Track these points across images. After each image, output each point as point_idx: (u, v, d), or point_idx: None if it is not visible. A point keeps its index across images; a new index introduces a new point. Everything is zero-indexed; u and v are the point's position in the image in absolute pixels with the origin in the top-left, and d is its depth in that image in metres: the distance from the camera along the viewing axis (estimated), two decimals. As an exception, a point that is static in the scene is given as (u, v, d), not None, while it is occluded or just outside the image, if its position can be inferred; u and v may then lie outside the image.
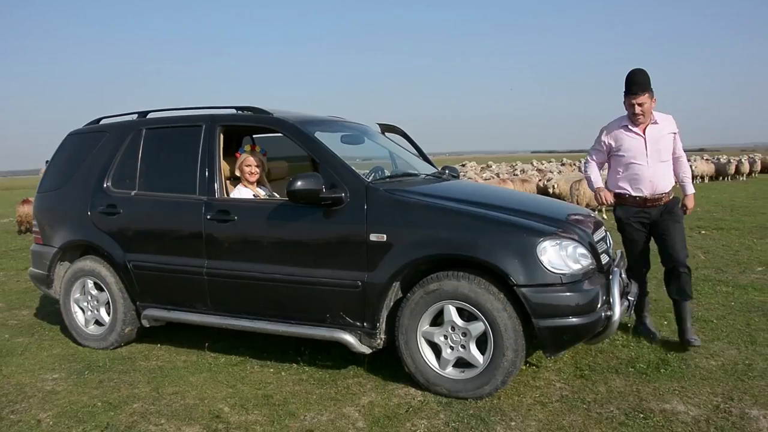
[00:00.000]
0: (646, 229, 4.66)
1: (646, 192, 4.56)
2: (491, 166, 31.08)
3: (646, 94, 4.43)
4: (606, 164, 4.88)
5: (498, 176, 20.50)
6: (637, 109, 4.45)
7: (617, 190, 4.70)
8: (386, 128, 5.72)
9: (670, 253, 4.51)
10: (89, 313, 5.11)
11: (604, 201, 4.72)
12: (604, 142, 4.71)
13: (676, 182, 4.78)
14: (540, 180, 17.23)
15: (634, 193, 4.60)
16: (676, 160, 4.69)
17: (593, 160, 4.87)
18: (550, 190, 14.92)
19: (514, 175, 22.73)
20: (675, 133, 4.63)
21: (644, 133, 4.54)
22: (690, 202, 4.76)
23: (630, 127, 4.57)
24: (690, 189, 4.78)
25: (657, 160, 4.53)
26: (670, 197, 4.61)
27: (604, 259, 4.04)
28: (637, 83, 4.43)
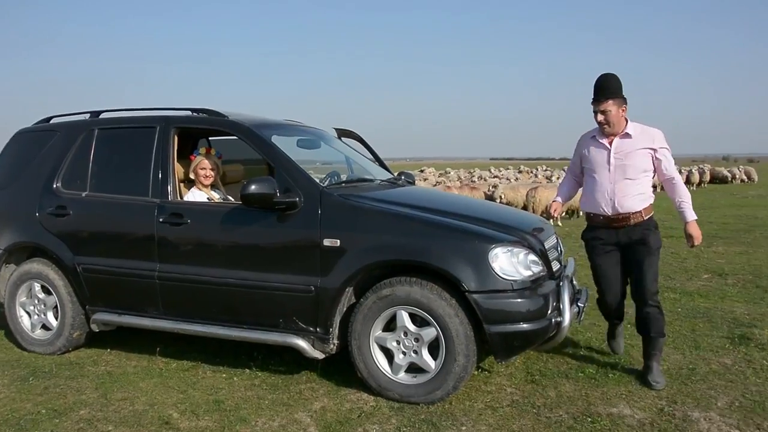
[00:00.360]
0: (617, 252, 4.22)
1: (607, 210, 4.11)
2: (449, 173, 31.33)
3: (611, 101, 3.98)
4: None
5: (444, 183, 20.50)
6: (600, 117, 4.04)
7: (584, 208, 4.37)
8: (343, 133, 5.73)
9: (636, 288, 4.16)
10: (36, 317, 4.97)
11: (552, 214, 4.48)
12: (577, 153, 4.39)
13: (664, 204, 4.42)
14: (487, 189, 16.86)
15: (595, 211, 4.20)
16: (667, 182, 4.13)
17: (568, 171, 4.61)
18: (497, 200, 14.87)
19: (471, 181, 22.94)
20: (654, 150, 4.05)
21: (610, 145, 4.10)
22: (693, 230, 4.09)
23: (598, 137, 4.17)
24: (689, 215, 4.08)
25: (621, 177, 4.06)
26: (644, 218, 4.10)
27: (555, 266, 4.11)
28: (601, 89, 4.03)
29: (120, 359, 4.77)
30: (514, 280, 3.66)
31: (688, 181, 29.53)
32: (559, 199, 4.54)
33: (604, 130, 4.09)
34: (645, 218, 4.12)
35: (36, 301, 4.95)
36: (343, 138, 5.71)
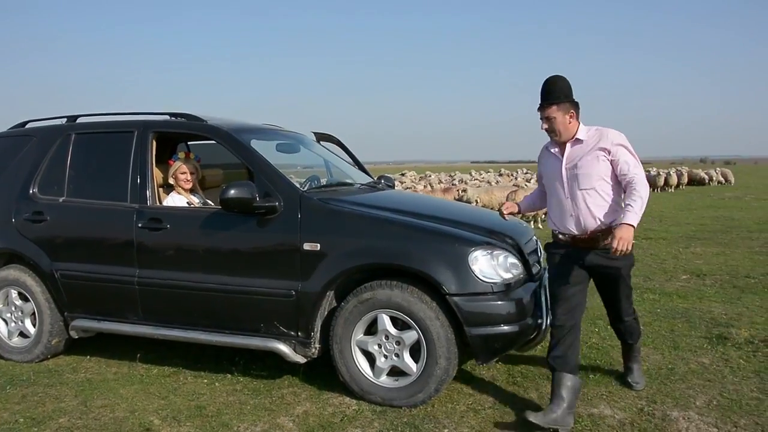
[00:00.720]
0: (583, 272, 3.70)
1: (572, 228, 3.64)
2: (430, 176, 31.42)
3: (555, 107, 3.55)
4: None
5: (415, 187, 20.48)
6: (544, 125, 3.61)
7: (549, 226, 3.91)
8: (322, 137, 5.73)
9: (611, 311, 3.94)
10: (13, 324, 4.91)
11: (503, 210, 4.12)
12: (539, 166, 3.94)
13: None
14: (456, 193, 16.60)
15: (560, 230, 3.73)
16: (627, 184, 3.51)
17: (538, 183, 4.13)
18: (472, 204, 14.75)
19: (452, 184, 23.01)
20: (606, 151, 3.52)
21: (562, 155, 3.65)
22: (623, 232, 3.33)
23: (550, 148, 3.75)
24: (629, 218, 3.37)
25: (575, 188, 3.58)
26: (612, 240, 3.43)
27: (535, 268, 4.14)
28: (545, 93, 3.60)
29: (100, 366, 4.73)
30: (494, 283, 3.67)
31: (666, 183, 29.94)
32: (518, 204, 4.20)
33: (552, 138, 3.69)
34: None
35: (13, 308, 4.88)
36: (322, 142, 5.71)
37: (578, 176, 3.57)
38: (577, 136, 3.60)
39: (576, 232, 3.62)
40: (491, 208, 13.60)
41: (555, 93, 3.56)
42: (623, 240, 3.33)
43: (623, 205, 3.50)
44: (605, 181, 3.56)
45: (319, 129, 5.78)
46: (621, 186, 3.58)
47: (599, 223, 3.56)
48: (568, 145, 3.63)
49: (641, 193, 3.44)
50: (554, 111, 3.56)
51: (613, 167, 3.55)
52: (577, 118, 3.62)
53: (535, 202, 4.17)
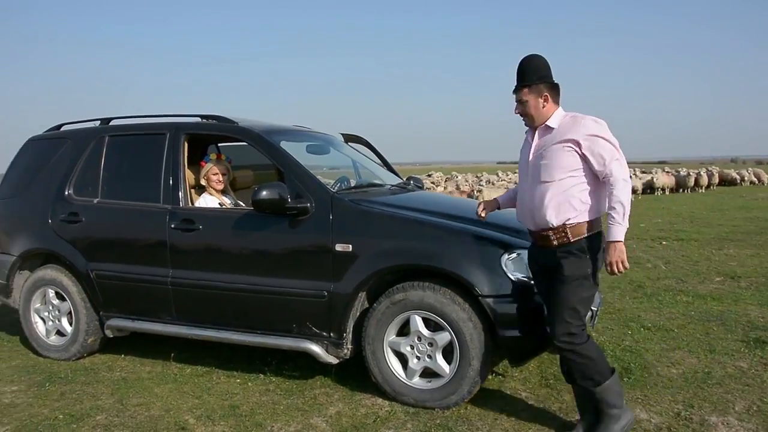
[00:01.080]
0: (544, 275, 3.37)
1: (527, 223, 3.38)
2: (457, 177, 31.35)
3: (526, 90, 3.23)
4: None
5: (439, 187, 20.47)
6: (517, 109, 3.32)
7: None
8: (350, 138, 5.74)
9: (548, 324, 3.34)
10: (50, 323, 5.00)
11: (479, 211, 3.79)
12: None
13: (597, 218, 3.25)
14: (470, 192, 16.43)
15: (524, 225, 3.48)
16: (606, 184, 3.14)
17: None
18: None
19: (479, 185, 22.97)
20: (576, 143, 3.12)
21: (533, 142, 3.34)
22: (612, 254, 3.07)
23: (527, 134, 3.41)
24: (614, 233, 3.06)
25: (536, 180, 3.24)
26: (569, 239, 3.16)
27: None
28: (518, 74, 3.28)
29: (134, 365, 4.79)
30: (527, 284, 3.65)
31: (697, 184, 29.50)
32: (497, 199, 3.83)
33: (525, 123, 3.35)
34: (572, 239, 3.17)
35: (50, 307, 4.98)
36: (350, 143, 5.72)
37: (540, 167, 3.22)
38: (548, 123, 3.24)
39: (534, 228, 3.32)
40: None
41: (527, 74, 3.24)
42: (613, 264, 3.07)
43: (608, 213, 3.13)
44: (572, 176, 3.16)
45: (346, 130, 5.79)
46: (599, 181, 3.19)
47: (551, 220, 3.18)
48: (537, 133, 3.29)
49: (620, 195, 3.06)
50: (526, 94, 3.24)
51: (586, 161, 3.14)
52: (555, 102, 3.27)
53: (513, 197, 3.69)
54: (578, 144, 3.12)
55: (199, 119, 4.76)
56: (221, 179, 4.72)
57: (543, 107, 3.24)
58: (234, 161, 5.06)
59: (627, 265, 3.09)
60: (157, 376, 4.51)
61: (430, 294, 3.71)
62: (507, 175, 34.53)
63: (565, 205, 3.16)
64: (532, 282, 3.60)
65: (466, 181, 27.06)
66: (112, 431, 3.62)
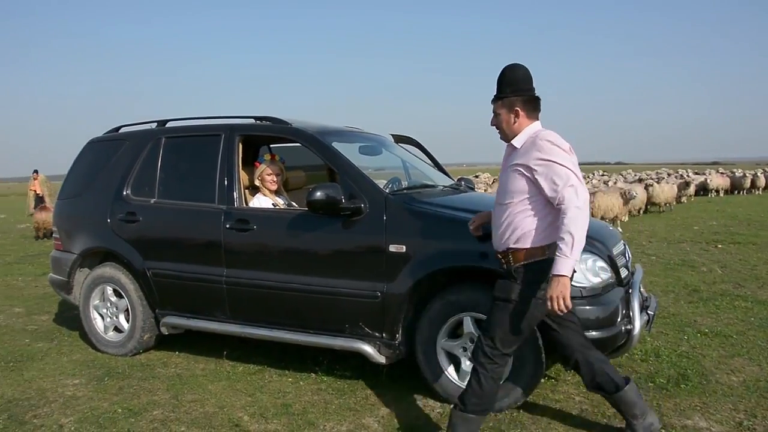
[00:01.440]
0: None
1: (493, 243, 3.25)
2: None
3: (499, 102, 3.10)
4: None
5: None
6: (492, 120, 3.18)
7: None
8: (400, 139, 5.74)
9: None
10: (108, 319, 5.14)
11: (470, 226, 3.62)
12: None
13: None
14: None
15: None
16: (561, 210, 2.90)
17: None
18: None
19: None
20: (528, 168, 2.97)
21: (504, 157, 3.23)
22: (553, 289, 2.84)
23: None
24: (558, 267, 2.83)
25: (499, 201, 3.17)
26: (520, 261, 3.04)
27: (624, 272, 4.01)
28: (497, 85, 3.14)
29: (188, 362, 4.88)
30: (583, 287, 3.59)
31: (753, 185, 28.65)
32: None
33: (500, 136, 3.21)
34: (513, 265, 3.07)
35: (108, 304, 5.12)
36: (400, 144, 5.73)
37: (500, 187, 3.19)
38: (513, 141, 3.10)
39: (496, 248, 3.21)
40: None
41: (502, 86, 3.10)
42: (553, 299, 2.83)
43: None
44: (521, 200, 3.03)
45: (394, 131, 5.80)
46: (554, 208, 2.98)
47: (503, 242, 3.10)
48: (506, 149, 3.20)
49: (570, 225, 2.82)
50: (499, 107, 3.11)
51: (537, 186, 2.97)
52: (530, 117, 3.10)
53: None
54: (530, 169, 2.97)
55: (252, 120, 4.83)
56: (275, 180, 4.77)
57: (514, 123, 3.09)
58: (286, 162, 5.11)
59: (569, 303, 2.83)
60: (211, 373, 4.59)
61: (483, 295, 3.68)
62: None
63: (510, 229, 3.06)
64: (587, 285, 3.58)
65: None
66: (169, 426, 3.69)
